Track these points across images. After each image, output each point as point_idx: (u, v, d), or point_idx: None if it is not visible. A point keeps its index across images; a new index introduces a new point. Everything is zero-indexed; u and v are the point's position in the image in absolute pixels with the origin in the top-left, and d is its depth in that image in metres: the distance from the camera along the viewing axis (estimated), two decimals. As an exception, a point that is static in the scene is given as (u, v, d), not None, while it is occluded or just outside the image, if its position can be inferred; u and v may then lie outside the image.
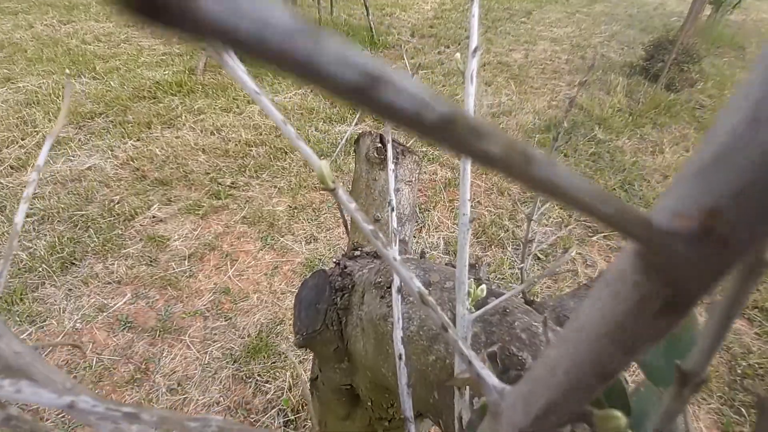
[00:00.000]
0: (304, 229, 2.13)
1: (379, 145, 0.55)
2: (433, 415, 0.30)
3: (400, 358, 0.23)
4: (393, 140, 0.55)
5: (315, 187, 2.40)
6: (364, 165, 0.56)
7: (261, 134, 2.72)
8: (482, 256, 2.11)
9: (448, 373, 0.28)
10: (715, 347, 0.10)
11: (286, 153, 2.59)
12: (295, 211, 2.23)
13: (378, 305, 0.38)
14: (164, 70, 3.28)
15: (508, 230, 2.22)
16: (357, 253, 0.52)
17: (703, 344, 0.10)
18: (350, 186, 0.61)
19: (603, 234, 2.23)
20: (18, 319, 1.61)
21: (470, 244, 2.15)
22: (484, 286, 0.24)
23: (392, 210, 0.28)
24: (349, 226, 0.63)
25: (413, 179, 0.57)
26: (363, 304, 0.42)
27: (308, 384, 0.62)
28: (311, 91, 3.19)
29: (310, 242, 2.06)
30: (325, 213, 2.23)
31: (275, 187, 2.37)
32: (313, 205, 2.27)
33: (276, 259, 1.95)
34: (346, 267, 0.49)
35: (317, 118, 2.91)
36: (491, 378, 0.12)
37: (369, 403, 0.48)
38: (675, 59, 3.49)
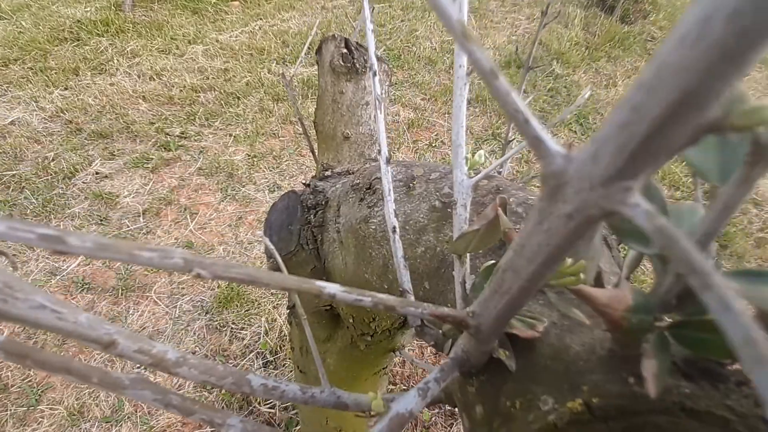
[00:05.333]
0: (266, 178, 2.05)
1: (345, 50, 0.49)
2: (425, 310, 0.30)
3: (394, 232, 0.21)
4: (360, 46, 0.50)
5: (274, 134, 2.27)
6: (329, 77, 0.51)
7: (208, 78, 2.51)
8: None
9: (439, 260, 0.26)
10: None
11: (238, 98, 2.41)
12: (255, 159, 2.12)
13: (358, 209, 0.35)
14: (85, 7, 2.88)
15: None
16: (328, 173, 0.49)
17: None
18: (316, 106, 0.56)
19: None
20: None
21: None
22: (482, 152, 0.22)
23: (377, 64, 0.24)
24: (316, 151, 0.59)
25: (383, 93, 0.53)
26: (339, 216, 0.39)
27: (287, 313, 0.60)
28: (260, 28, 2.93)
29: (274, 191, 1.99)
30: (287, 160, 2.13)
31: (230, 135, 2.23)
32: (274, 153, 2.16)
33: (239, 210, 1.88)
34: (317, 186, 0.46)
35: (269, 59, 2.70)
36: (551, 143, 0.09)
37: (350, 320, 0.48)
38: (630, -10, 3.49)
